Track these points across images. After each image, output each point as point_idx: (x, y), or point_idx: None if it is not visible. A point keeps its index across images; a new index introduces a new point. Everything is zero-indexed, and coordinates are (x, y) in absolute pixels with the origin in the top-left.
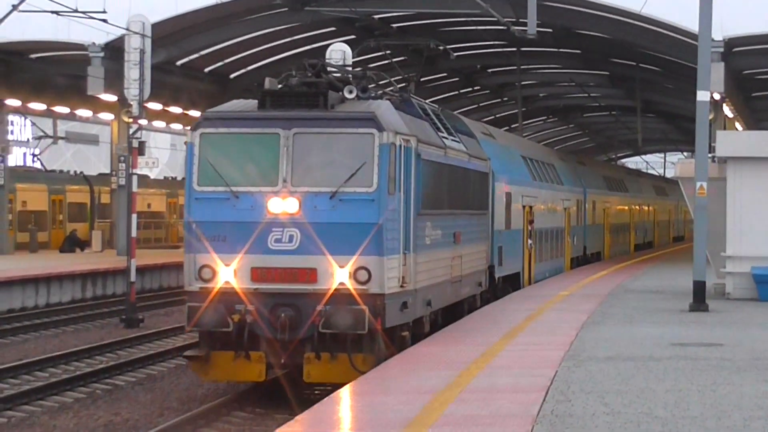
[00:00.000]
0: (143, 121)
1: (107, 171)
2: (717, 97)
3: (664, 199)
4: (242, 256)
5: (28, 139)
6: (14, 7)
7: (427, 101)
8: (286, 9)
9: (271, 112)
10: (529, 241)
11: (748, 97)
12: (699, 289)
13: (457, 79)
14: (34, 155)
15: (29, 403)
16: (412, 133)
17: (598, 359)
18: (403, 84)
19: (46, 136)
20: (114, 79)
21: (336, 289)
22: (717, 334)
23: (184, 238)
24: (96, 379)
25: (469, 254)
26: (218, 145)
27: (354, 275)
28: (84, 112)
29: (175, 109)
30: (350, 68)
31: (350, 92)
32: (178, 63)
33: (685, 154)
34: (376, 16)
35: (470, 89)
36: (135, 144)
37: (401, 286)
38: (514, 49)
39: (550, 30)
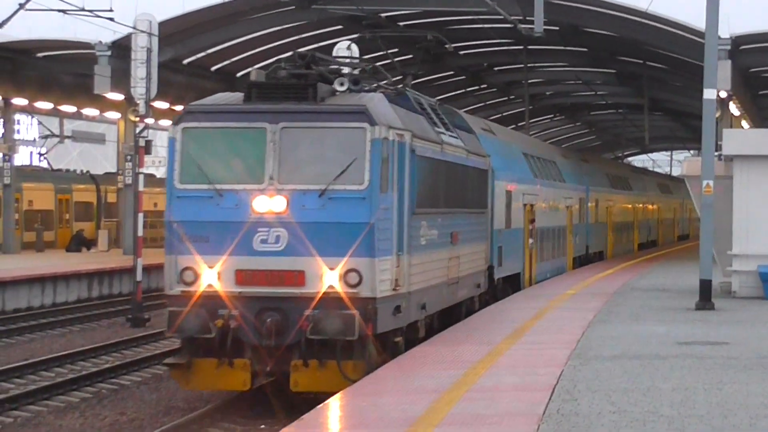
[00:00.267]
0: (150, 120)
1: (114, 170)
2: (724, 95)
3: (669, 197)
4: (226, 257)
5: (34, 138)
6: (21, 6)
7: (423, 95)
8: (293, 7)
9: (258, 105)
10: (530, 241)
11: (754, 95)
12: (705, 287)
13: (463, 77)
14: (40, 154)
15: (35, 403)
16: (406, 128)
17: (604, 358)
18: (399, 77)
19: (53, 135)
20: (121, 78)
21: (325, 293)
22: (723, 333)
23: (165, 239)
24: (102, 378)
25: (467, 255)
26: (201, 140)
27: (344, 278)
28: (91, 111)
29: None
30: (348, 60)
31: (341, 84)
32: (185, 62)
33: (691, 152)
34: (383, 14)
35: (477, 87)
36: (141, 143)
37: (394, 289)
38: (521, 47)
39: (556, 28)
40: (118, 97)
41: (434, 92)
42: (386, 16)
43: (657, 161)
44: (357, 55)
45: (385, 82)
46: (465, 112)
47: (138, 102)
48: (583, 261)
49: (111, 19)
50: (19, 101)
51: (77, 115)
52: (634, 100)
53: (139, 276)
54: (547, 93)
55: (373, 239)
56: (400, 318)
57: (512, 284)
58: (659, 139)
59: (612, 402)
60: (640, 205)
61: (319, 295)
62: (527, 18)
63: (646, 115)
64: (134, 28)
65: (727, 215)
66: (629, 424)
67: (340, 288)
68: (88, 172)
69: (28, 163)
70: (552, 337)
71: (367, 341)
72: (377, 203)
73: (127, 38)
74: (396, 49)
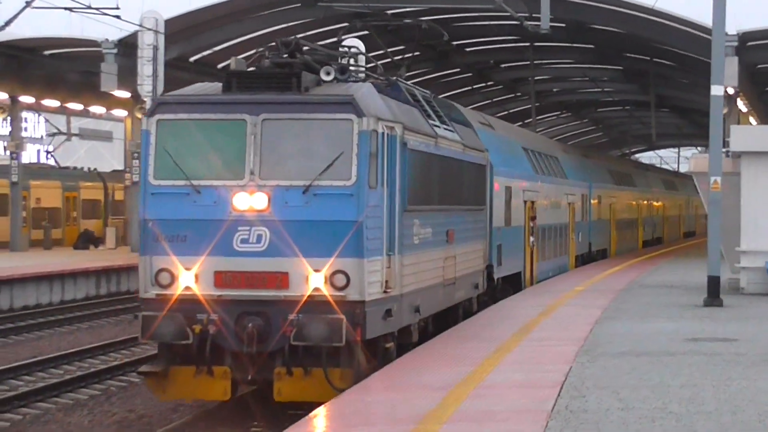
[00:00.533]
0: None
1: (121, 168)
2: (731, 91)
3: (674, 193)
4: (204, 258)
5: (41, 136)
6: (28, 4)
7: (417, 87)
8: (299, 5)
9: (238, 96)
10: (531, 239)
11: (762, 91)
12: (713, 284)
13: (470, 74)
14: (47, 152)
15: (44, 400)
16: (397, 120)
17: (612, 355)
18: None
19: (60, 132)
20: (127, 76)
21: (310, 296)
22: (731, 329)
23: (140, 239)
24: (110, 375)
25: (464, 254)
26: (177, 133)
27: (330, 280)
28: (97, 109)
29: None
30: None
31: (327, 74)
32: (191, 59)
33: (699, 148)
34: (390, 11)
35: (483, 85)
36: None
37: (384, 292)
38: (528, 44)
39: (563, 25)
40: (124, 94)
41: (441, 90)
42: (392, 13)
43: (664, 158)
44: (363, 53)
45: (371, 65)
46: (472, 108)
47: (145, 99)
48: (585, 259)
49: (117, 17)
50: (26, 99)
51: (84, 113)
52: (641, 96)
53: None
54: (554, 90)
55: (361, 238)
56: (391, 322)
57: (513, 284)
58: (666, 135)
59: (620, 399)
60: (645, 202)
61: (304, 298)
62: (533, 15)
63: (653, 112)
64: (140, 25)
65: (735, 212)
66: (638, 421)
67: (326, 291)
68: (95, 169)
69: (35, 160)
70: (559, 334)
71: (355, 348)
72: (365, 200)
73: (134, 36)
74: (402, 47)
